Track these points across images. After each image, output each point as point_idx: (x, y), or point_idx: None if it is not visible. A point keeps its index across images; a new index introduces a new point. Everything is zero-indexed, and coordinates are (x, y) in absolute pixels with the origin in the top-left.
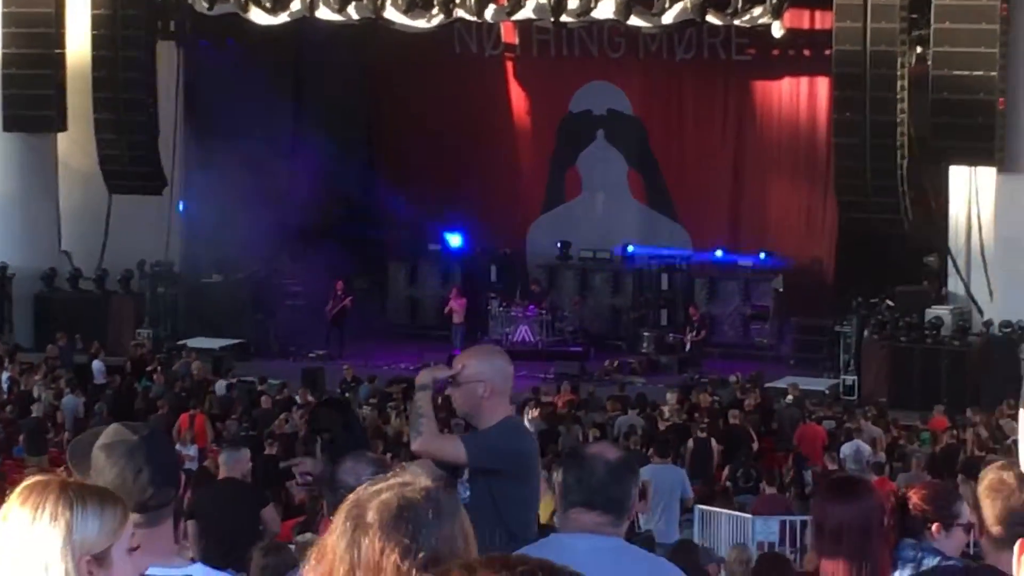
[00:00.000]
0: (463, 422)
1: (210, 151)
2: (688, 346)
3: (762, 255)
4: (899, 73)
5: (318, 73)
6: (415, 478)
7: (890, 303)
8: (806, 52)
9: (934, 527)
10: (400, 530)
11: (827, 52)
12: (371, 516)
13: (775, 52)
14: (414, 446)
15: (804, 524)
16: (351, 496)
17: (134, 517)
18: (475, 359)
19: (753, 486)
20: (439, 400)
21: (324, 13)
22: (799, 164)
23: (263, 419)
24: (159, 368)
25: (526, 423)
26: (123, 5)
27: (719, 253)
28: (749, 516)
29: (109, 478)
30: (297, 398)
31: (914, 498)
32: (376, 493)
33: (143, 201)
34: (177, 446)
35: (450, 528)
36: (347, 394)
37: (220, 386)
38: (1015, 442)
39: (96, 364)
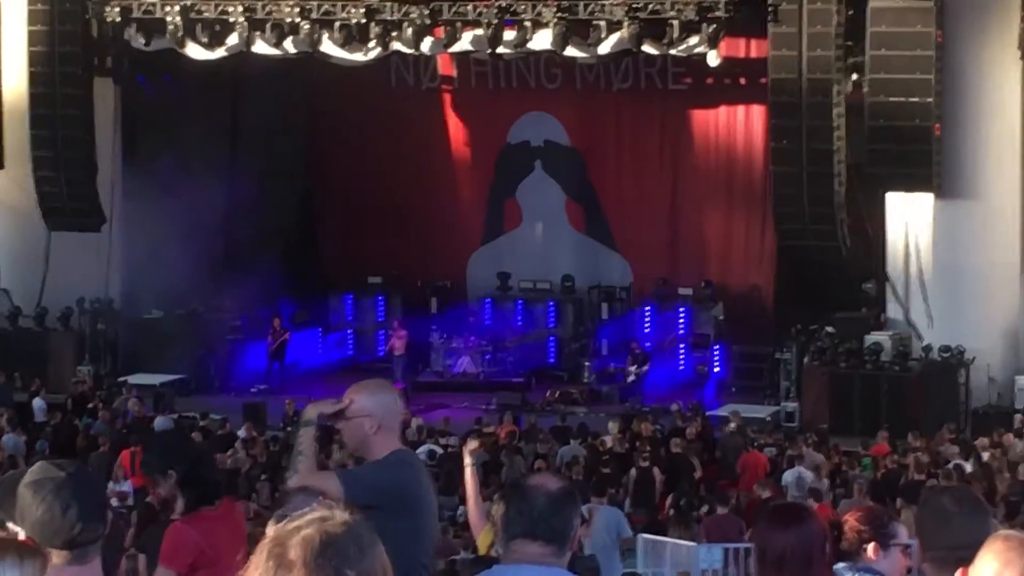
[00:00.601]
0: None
1: (149, 187)
2: (632, 378)
3: (702, 284)
4: (835, 101)
5: (256, 107)
6: (333, 512)
7: (830, 330)
8: (742, 80)
9: (871, 548)
10: (324, 568)
11: (763, 80)
12: (293, 553)
13: (711, 81)
14: (291, 483)
15: (748, 551)
16: (270, 532)
17: (63, 554)
18: (362, 394)
19: (696, 514)
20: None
21: (261, 47)
22: (737, 192)
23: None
24: (100, 405)
25: (466, 457)
26: (60, 42)
27: (659, 282)
28: (693, 544)
29: (36, 515)
30: (241, 433)
31: (851, 520)
32: (296, 530)
33: (82, 238)
34: (113, 484)
35: (371, 561)
36: (289, 428)
37: (160, 422)
38: (956, 466)
39: (37, 402)
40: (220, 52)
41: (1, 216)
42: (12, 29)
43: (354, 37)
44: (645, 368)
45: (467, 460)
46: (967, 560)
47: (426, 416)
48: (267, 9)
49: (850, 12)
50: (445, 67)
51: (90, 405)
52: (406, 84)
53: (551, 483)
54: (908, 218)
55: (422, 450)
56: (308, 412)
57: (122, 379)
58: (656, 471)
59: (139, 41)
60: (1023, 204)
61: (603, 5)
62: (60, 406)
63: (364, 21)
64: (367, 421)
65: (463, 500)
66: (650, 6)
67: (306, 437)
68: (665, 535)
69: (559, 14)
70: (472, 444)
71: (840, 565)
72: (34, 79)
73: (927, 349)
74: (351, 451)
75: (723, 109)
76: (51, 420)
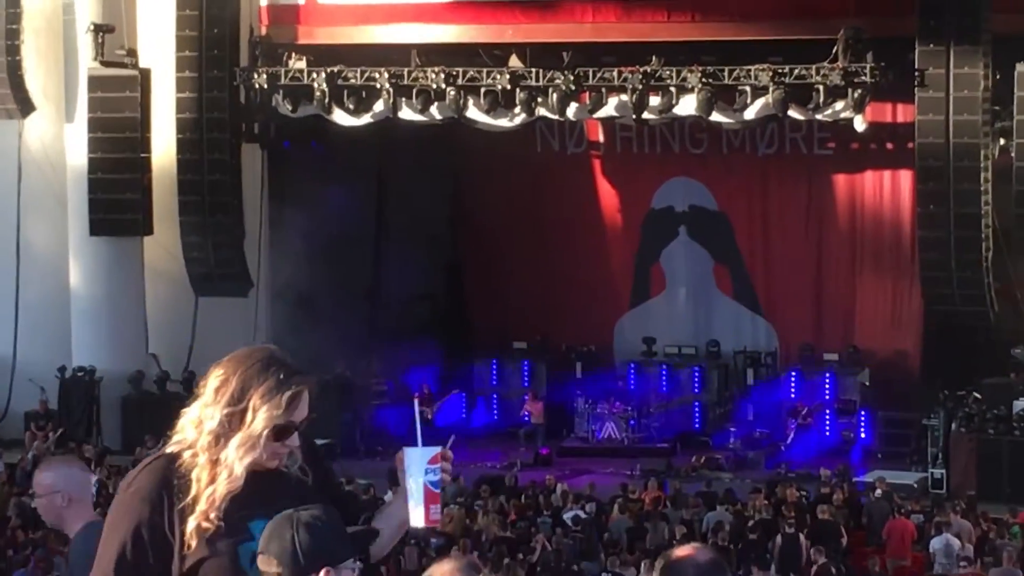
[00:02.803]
0: None
1: (296, 252)
2: (792, 436)
3: (848, 349)
4: (983, 165)
5: (402, 172)
6: None
7: (977, 395)
8: (889, 145)
9: None
10: None
11: (910, 145)
12: None
13: (857, 146)
14: None
15: None
16: None
17: None
18: (48, 471)
19: None
20: None
21: (407, 114)
22: (883, 257)
23: None
24: None
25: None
26: (208, 109)
27: (805, 347)
28: None
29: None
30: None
31: None
32: None
33: (229, 303)
34: None
35: None
36: None
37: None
38: None
39: None
40: (366, 118)
41: (149, 281)
42: (161, 96)
43: (500, 103)
44: (808, 422)
45: None
46: None
47: (571, 481)
48: (413, 75)
49: (997, 76)
50: (591, 132)
51: None
52: (551, 149)
53: (701, 555)
54: None
55: (567, 515)
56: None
57: None
58: (802, 537)
59: (286, 107)
60: None
61: (748, 70)
62: None
63: (509, 87)
64: (57, 496)
65: (604, 567)
66: (796, 71)
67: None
68: None
69: (704, 79)
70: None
71: None
72: (182, 146)
73: None
74: (50, 526)
75: (869, 174)
76: None
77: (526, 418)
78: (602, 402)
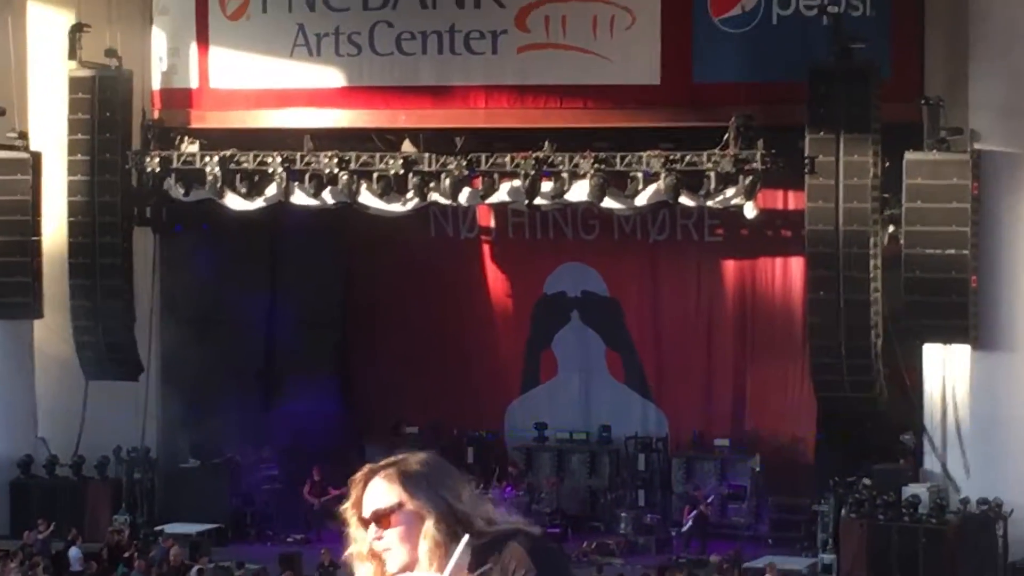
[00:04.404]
0: None
1: (186, 336)
2: (690, 523)
3: (739, 435)
4: (872, 252)
5: (294, 256)
6: None
7: (867, 481)
8: (780, 232)
9: None
10: None
11: (801, 232)
12: None
13: (747, 232)
14: None
15: None
16: None
17: None
18: None
19: None
20: None
21: (299, 198)
22: (775, 343)
23: None
24: (136, 554)
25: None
26: (100, 192)
27: (695, 433)
28: None
29: None
30: None
31: None
32: None
33: (119, 387)
34: None
35: None
36: None
37: (196, 572)
38: None
39: (73, 551)
40: (259, 202)
41: (39, 365)
42: (52, 179)
43: (392, 188)
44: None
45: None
46: None
47: None
48: (305, 160)
49: (886, 164)
50: (483, 218)
51: (126, 554)
52: (445, 234)
53: None
54: (945, 370)
55: None
56: None
57: (158, 528)
58: None
59: (178, 191)
60: None
61: (640, 157)
62: (96, 555)
63: (402, 172)
64: None
65: None
66: (687, 158)
67: None
68: None
69: (596, 165)
70: None
71: None
72: (73, 229)
73: (965, 501)
74: None
75: (760, 260)
76: (87, 570)
77: None
78: (493, 487)
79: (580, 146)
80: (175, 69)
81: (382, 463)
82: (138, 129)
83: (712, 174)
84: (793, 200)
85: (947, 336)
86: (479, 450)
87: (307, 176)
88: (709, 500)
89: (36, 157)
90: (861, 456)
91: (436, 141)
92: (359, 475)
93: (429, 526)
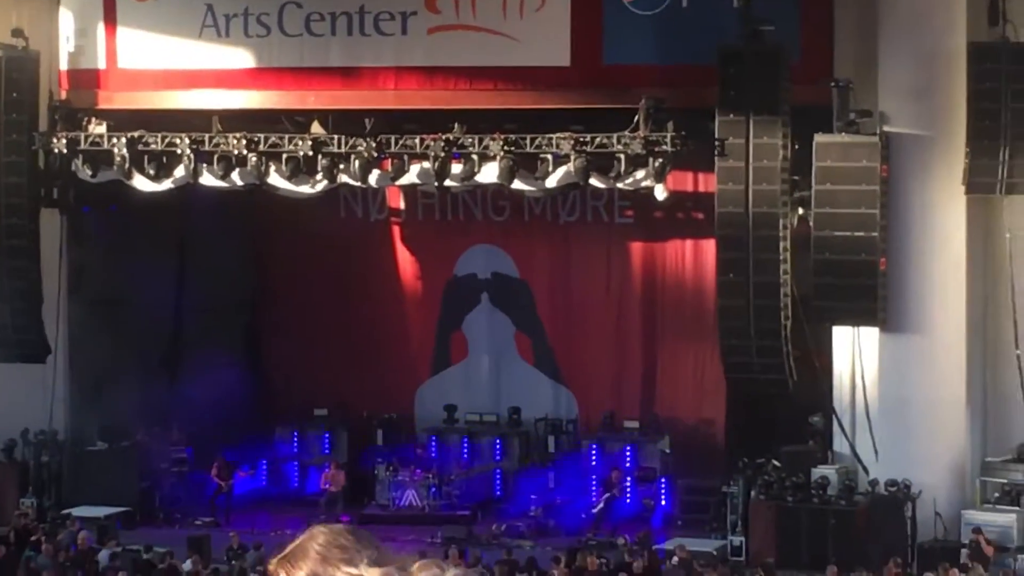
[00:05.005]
0: None
1: (94, 317)
2: (602, 505)
3: (648, 417)
4: (781, 234)
5: (203, 238)
6: None
7: (776, 463)
8: (690, 214)
9: None
10: None
11: (711, 215)
12: None
13: (659, 214)
14: None
15: None
16: None
17: None
18: None
19: None
20: None
21: (208, 179)
22: (686, 325)
23: None
24: (44, 538)
25: None
26: (6, 173)
27: (605, 415)
28: None
29: None
30: (186, 566)
31: None
32: None
33: (26, 369)
34: None
35: None
36: (234, 561)
37: (104, 555)
38: None
39: None
40: (167, 184)
41: None
42: None
43: (301, 170)
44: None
45: None
46: None
47: None
48: (214, 141)
49: (796, 147)
50: (393, 199)
51: (33, 538)
52: (355, 216)
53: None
54: (854, 351)
55: None
56: None
57: (66, 511)
58: None
59: (86, 173)
60: (968, 338)
61: (550, 139)
62: (3, 539)
63: (311, 154)
64: None
65: None
66: (597, 140)
67: None
68: None
69: (506, 147)
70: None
71: None
72: None
73: (873, 483)
74: None
75: (671, 242)
76: None
77: (326, 486)
78: (403, 469)
79: (490, 128)
80: (82, 50)
81: (281, 555)
82: (45, 110)
83: (622, 156)
84: (703, 182)
85: (856, 318)
86: (388, 432)
87: (216, 157)
88: (625, 485)
89: None
90: (770, 438)
91: (345, 123)
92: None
93: None
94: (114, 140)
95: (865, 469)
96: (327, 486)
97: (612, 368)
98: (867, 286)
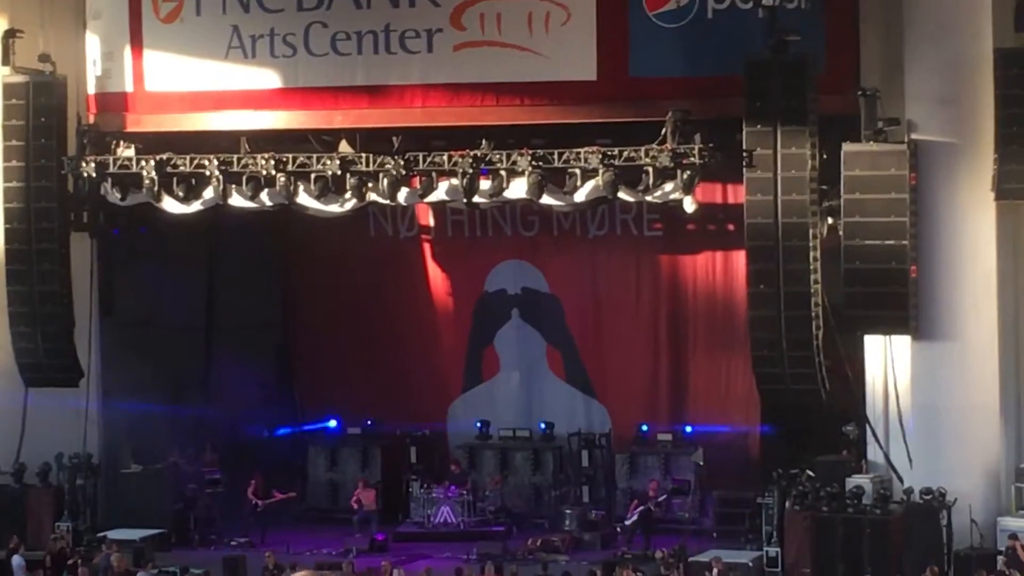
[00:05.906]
0: None
1: (126, 340)
2: (635, 518)
3: (688, 428)
4: (811, 244)
5: (233, 258)
6: None
7: (811, 473)
8: (720, 226)
9: None
10: None
11: (741, 226)
12: None
13: (689, 226)
14: None
15: None
16: None
17: None
18: None
19: None
20: None
21: (237, 200)
22: (717, 337)
23: None
24: (79, 561)
25: None
26: (36, 198)
27: (644, 428)
28: None
29: None
30: None
31: None
32: None
33: (60, 393)
34: None
35: None
36: None
37: None
38: None
39: (16, 559)
40: (196, 205)
41: None
42: None
43: (330, 189)
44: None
45: None
46: None
47: (407, 567)
48: (243, 162)
49: (824, 156)
50: (422, 217)
51: (69, 562)
52: (384, 234)
53: None
54: (886, 360)
55: None
56: None
57: (101, 534)
58: None
59: (115, 196)
60: (1000, 344)
61: (578, 153)
62: (39, 563)
63: (340, 173)
64: None
65: None
66: (625, 153)
67: None
68: None
69: (534, 162)
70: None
71: None
72: (10, 236)
73: (908, 491)
74: None
75: (701, 254)
76: None
77: (356, 505)
78: (437, 486)
79: (517, 143)
80: (109, 73)
81: None
82: (73, 134)
83: (650, 169)
84: (732, 194)
85: (888, 327)
86: (422, 449)
87: (244, 178)
88: (661, 499)
89: None
90: (804, 448)
91: (373, 141)
92: None
93: None
94: (143, 163)
95: (900, 478)
96: (357, 505)
97: (644, 381)
98: (898, 294)
